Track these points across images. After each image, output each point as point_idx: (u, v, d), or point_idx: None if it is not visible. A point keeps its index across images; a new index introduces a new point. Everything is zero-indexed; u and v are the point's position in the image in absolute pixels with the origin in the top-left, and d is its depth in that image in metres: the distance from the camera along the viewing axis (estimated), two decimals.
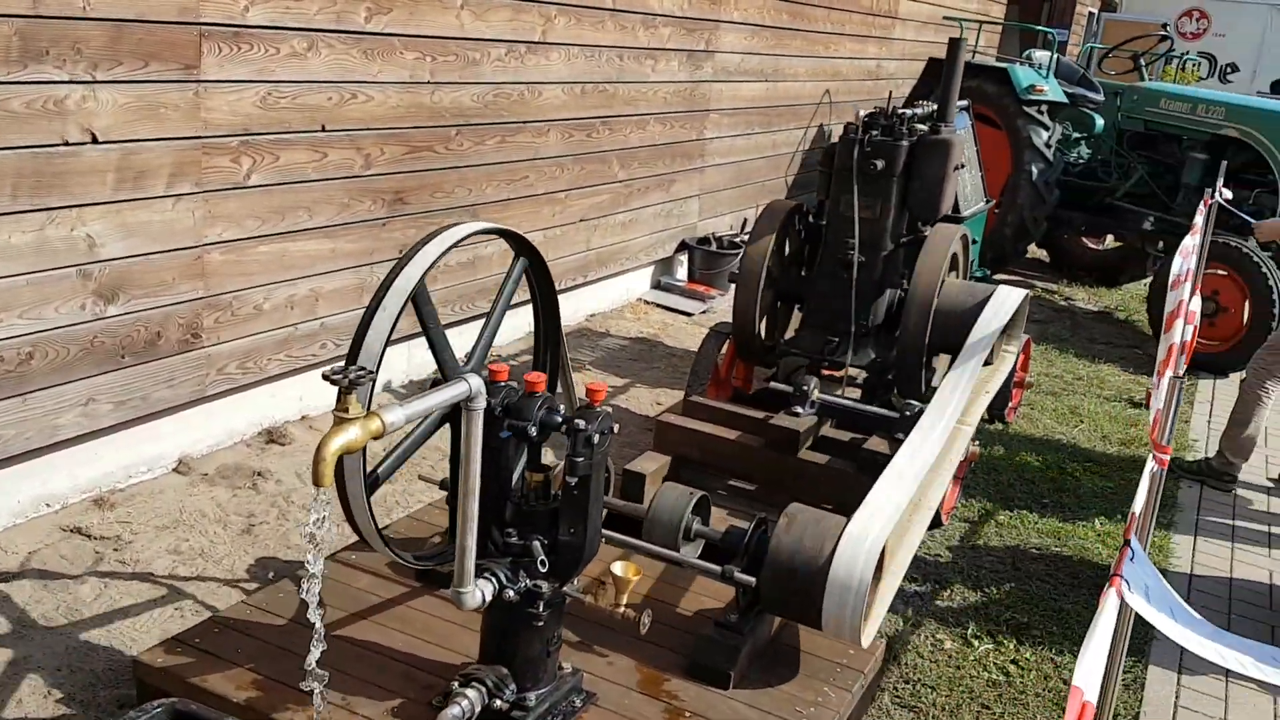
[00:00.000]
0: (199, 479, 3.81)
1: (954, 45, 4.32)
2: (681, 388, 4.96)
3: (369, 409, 1.97)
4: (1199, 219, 4.93)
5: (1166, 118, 7.51)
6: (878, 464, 3.57)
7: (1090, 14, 18.57)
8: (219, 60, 3.55)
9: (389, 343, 2.36)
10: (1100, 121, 8.01)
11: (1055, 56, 8.53)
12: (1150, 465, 1.91)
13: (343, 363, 2.26)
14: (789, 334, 4.66)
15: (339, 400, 1.84)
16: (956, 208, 4.97)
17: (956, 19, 8.84)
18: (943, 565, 3.90)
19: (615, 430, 2.40)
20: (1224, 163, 5.27)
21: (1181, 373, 6.20)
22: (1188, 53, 18.66)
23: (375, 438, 1.89)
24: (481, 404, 2.18)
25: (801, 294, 4.54)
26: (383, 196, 4.36)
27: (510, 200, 5.19)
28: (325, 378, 1.87)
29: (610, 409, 2.40)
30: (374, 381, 2.22)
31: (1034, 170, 7.62)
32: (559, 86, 5.34)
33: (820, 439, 4.11)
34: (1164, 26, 10.41)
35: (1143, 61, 8.20)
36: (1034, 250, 9.79)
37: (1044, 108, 7.68)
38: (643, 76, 6.11)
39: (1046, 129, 7.65)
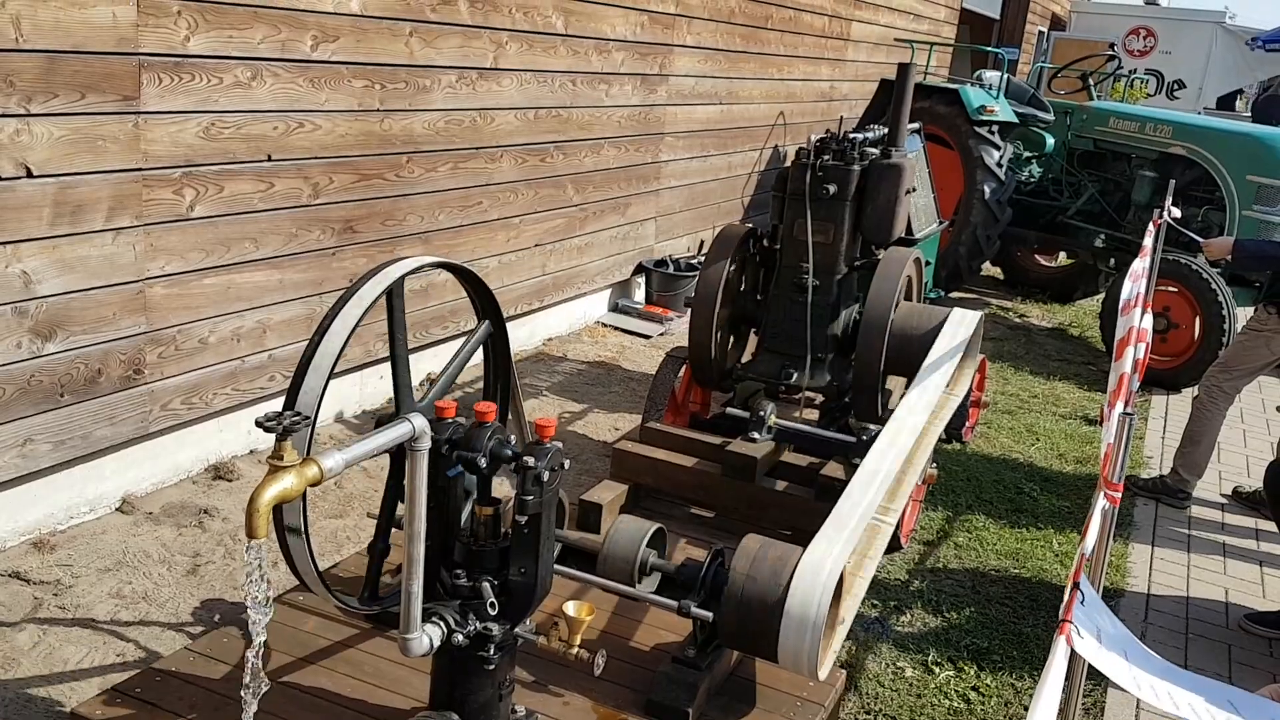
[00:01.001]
0: (143, 518, 3.71)
1: (903, 70, 4.34)
2: (639, 412, 4.93)
3: (308, 454, 1.92)
4: (1148, 240, 4.98)
5: (1115, 137, 7.63)
6: (835, 489, 3.55)
7: (1040, 33, 18.92)
8: (159, 91, 3.48)
9: (331, 378, 2.30)
10: (1051, 140, 8.12)
11: (1006, 77, 8.64)
12: (1101, 503, 1.89)
13: (283, 405, 2.20)
14: (747, 358, 4.64)
15: (275, 447, 1.78)
16: (910, 230, 4.99)
17: (908, 41, 8.92)
18: (902, 589, 3.88)
19: (566, 466, 2.36)
20: (1172, 181, 5.34)
21: (1134, 394, 6.27)
22: (1135, 70, 19.08)
23: (313, 484, 1.83)
24: (426, 444, 2.13)
25: (758, 318, 4.53)
26: (332, 226, 4.30)
27: (464, 227, 5.14)
28: (259, 424, 1.81)
29: (560, 444, 2.35)
30: (312, 425, 2.16)
31: (986, 189, 7.70)
32: (512, 112, 5.31)
33: (779, 464, 4.09)
34: (1111, 46, 10.59)
35: (1091, 81, 8.31)
36: (989, 268, 9.90)
37: (995, 128, 7.77)
38: (597, 101, 6.09)
39: (998, 149, 7.73)
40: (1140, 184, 7.33)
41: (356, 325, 2.30)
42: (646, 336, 6.71)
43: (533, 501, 2.27)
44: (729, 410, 4.24)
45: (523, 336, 6.04)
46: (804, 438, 4.12)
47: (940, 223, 5.56)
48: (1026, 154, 8.34)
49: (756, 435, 4.00)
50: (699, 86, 7.31)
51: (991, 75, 8.38)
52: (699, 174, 7.63)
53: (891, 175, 4.19)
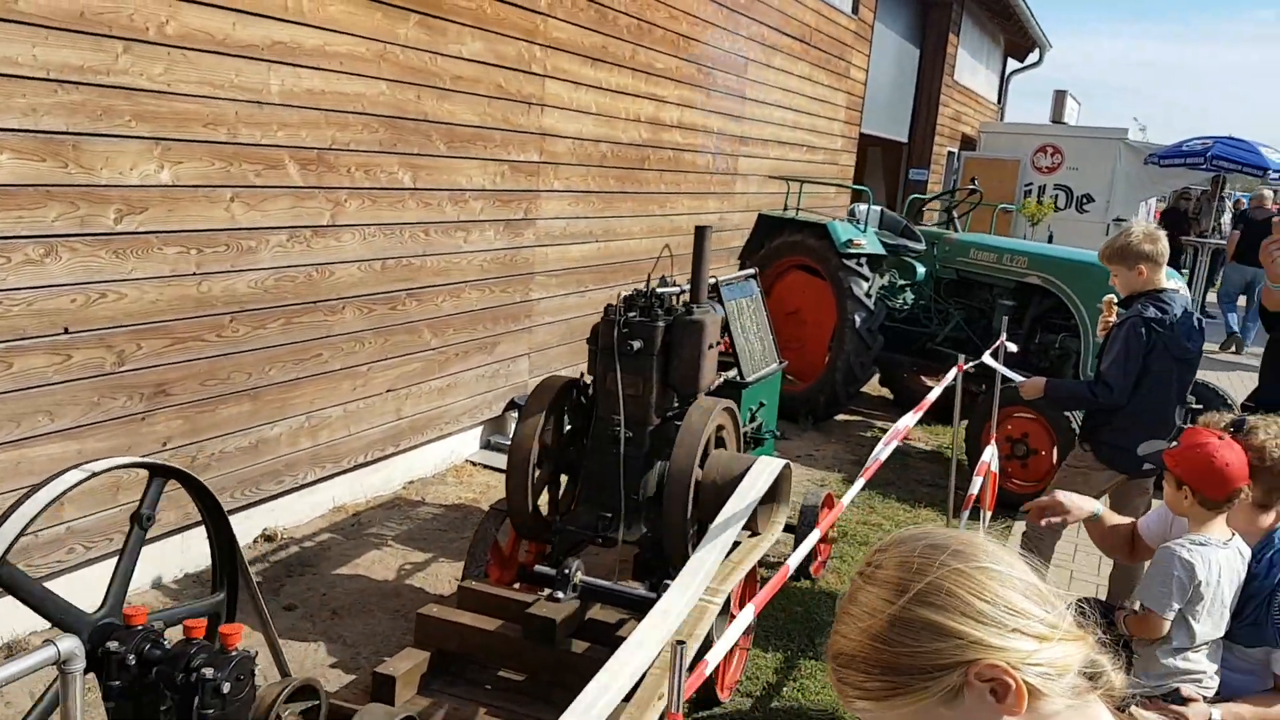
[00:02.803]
0: None
1: (700, 233, 4.49)
2: None
3: None
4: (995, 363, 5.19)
5: (976, 267, 7.88)
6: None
7: (950, 154, 19.65)
8: None
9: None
10: (922, 269, 8.36)
11: (880, 210, 8.96)
12: None
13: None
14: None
15: None
16: (742, 374, 5.10)
17: (784, 177, 9.24)
18: None
19: (254, 674, 2.33)
20: (1005, 317, 5.53)
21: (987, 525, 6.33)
22: (1043, 188, 19.81)
23: None
24: (79, 666, 2.11)
25: (579, 468, 4.56)
26: (140, 391, 4.30)
27: (300, 380, 5.17)
28: None
29: (252, 650, 2.33)
30: None
31: (856, 319, 7.89)
32: (354, 265, 5.40)
33: (588, 623, 4.07)
34: (973, 180, 11.01)
35: (955, 214, 8.63)
36: (879, 389, 10.06)
37: (863, 260, 8.00)
38: (454, 248, 6.21)
39: (866, 279, 7.95)
40: (999, 312, 7.55)
41: (20, 534, 2.29)
42: None
43: (213, 715, 2.24)
44: (536, 568, 4.23)
45: (377, 483, 6.02)
46: (610, 595, 4.10)
47: (780, 363, 5.68)
48: (901, 282, 8.57)
49: (560, 595, 3.99)
50: (571, 227, 7.49)
51: (862, 209, 8.67)
52: (576, 309, 7.76)
53: (693, 330, 4.29)
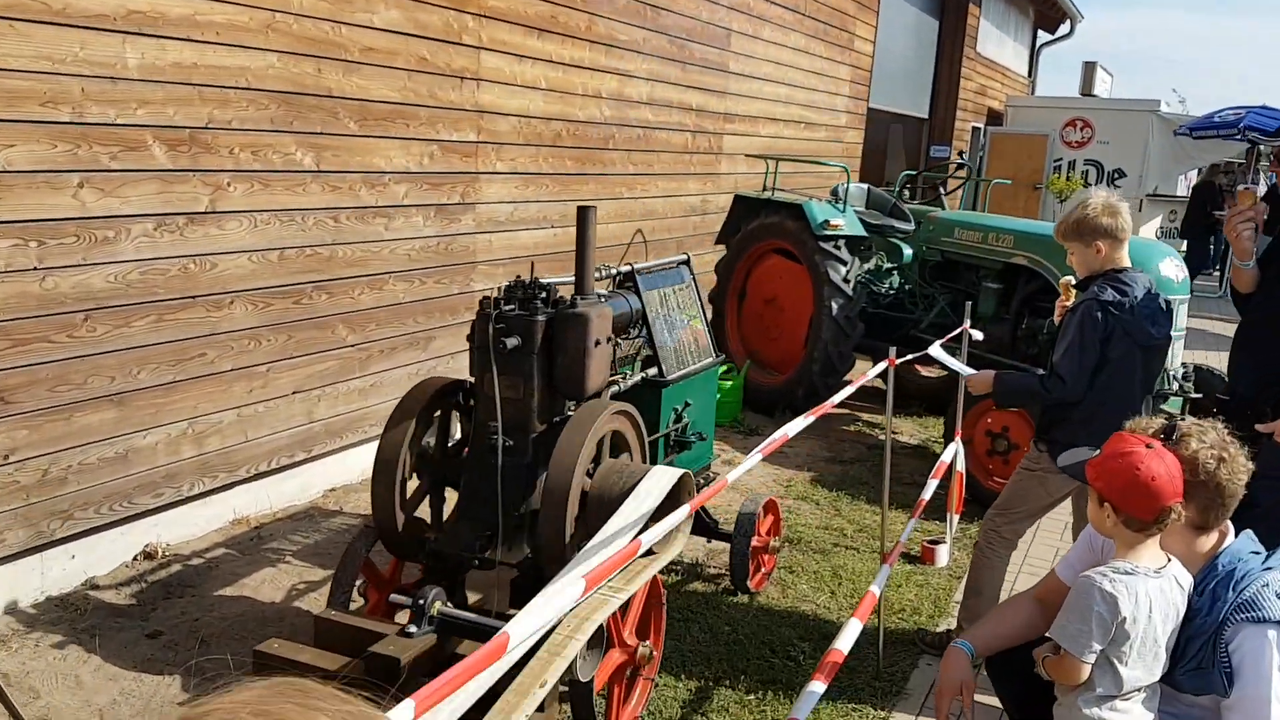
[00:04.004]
0: None
1: (583, 213, 3.98)
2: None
3: None
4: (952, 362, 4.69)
5: (961, 247, 7.27)
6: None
7: (974, 129, 18.84)
8: None
9: None
10: (909, 251, 7.76)
11: (866, 188, 8.37)
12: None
13: None
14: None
15: None
16: (662, 371, 4.57)
17: (760, 156, 8.68)
18: None
19: None
20: (968, 304, 4.96)
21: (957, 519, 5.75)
22: (1073, 164, 18.95)
23: None
24: None
25: (460, 480, 4.08)
26: None
27: (178, 382, 4.73)
28: None
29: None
30: None
31: (834, 305, 7.32)
32: (243, 255, 4.95)
33: (446, 661, 3.58)
34: (961, 155, 10.34)
35: (943, 191, 8.00)
36: (876, 381, 9.45)
37: (840, 242, 7.43)
38: (373, 235, 5.75)
39: (844, 263, 7.38)
40: (985, 295, 6.94)
41: None
42: None
43: None
44: (392, 597, 3.75)
45: (292, 490, 5.58)
46: (472, 629, 3.61)
47: (717, 354, 5.14)
48: (888, 265, 7.98)
49: (413, 629, 3.51)
50: (520, 212, 7.00)
51: (851, 188, 8.08)
52: None
53: (577, 325, 3.78)
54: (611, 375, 4.46)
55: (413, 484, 4.06)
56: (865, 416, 8.40)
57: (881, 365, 4.43)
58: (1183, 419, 2.76)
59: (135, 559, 4.76)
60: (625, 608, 3.70)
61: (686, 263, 5.05)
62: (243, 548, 5.09)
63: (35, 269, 4.04)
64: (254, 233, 4.99)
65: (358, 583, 4.21)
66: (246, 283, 4.99)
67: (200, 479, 4.94)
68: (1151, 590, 2.64)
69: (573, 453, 3.65)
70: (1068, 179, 18.58)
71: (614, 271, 4.52)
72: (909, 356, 5.03)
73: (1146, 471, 2.56)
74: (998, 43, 19.91)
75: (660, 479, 3.71)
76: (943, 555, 5.55)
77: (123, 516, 4.58)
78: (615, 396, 4.28)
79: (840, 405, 8.46)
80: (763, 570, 5.15)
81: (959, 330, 5.35)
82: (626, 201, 8.35)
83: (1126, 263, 3.92)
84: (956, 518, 5.70)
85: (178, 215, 4.59)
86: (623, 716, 3.77)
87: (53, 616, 4.24)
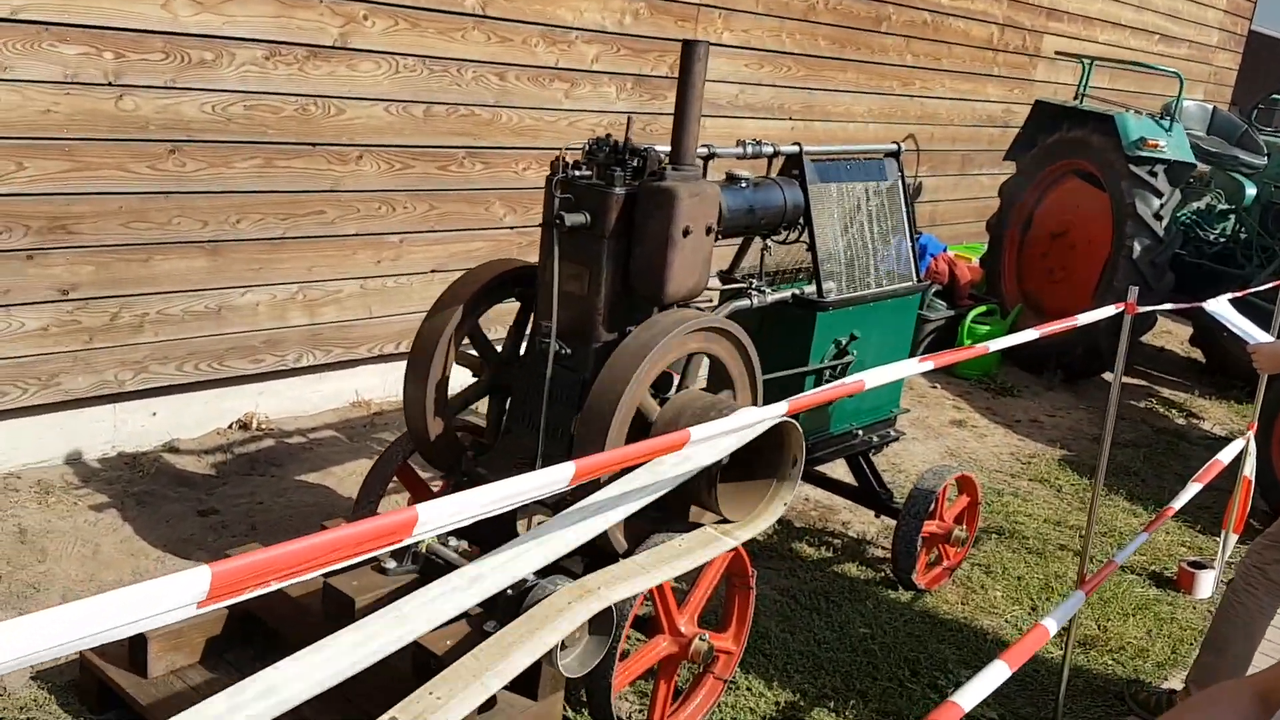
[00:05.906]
0: None
1: (689, 49, 2.92)
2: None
3: None
4: None
5: None
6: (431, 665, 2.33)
7: None
8: None
9: None
10: (1251, 190, 5.91)
11: (1211, 108, 6.50)
12: None
13: None
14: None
15: None
16: (821, 290, 3.44)
17: (1076, 56, 6.97)
18: None
19: None
20: None
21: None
22: None
23: None
24: None
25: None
26: (25, 223, 3.54)
27: (288, 240, 4.22)
28: None
29: None
30: None
31: (1137, 246, 5.70)
32: (379, 104, 4.33)
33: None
34: None
35: None
36: (1188, 349, 7.57)
37: (1158, 168, 5.73)
38: (549, 102, 4.97)
39: (1159, 195, 5.70)
40: None
41: None
42: None
43: None
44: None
45: None
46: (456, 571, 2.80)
47: (921, 281, 3.91)
48: (1223, 206, 6.15)
49: (390, 565, 2.76)
50: (746, 96, 5.95)
51: (1190, 104, 6.29)
52: None
53: (659, 204, 2.78)
54: (739, 283, 3.42)
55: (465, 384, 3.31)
56: (1165, 392, 6.66)
57: (1109, 309, 3.09)
58: None
59: (231, 426, 4.39)
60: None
61: (896, 154, 3.83)
62: (352, 433, 4.59)
63: (110, 84, 3.60)
64: (394, 80, 4.35)
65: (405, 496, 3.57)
66: (381, 136, 4.38)
67: (310, 350, 4.47)
68: None
69: (627, 366, 2.70)
70: None
71: (772, 150, 3.43)
72: (1166, 307, 3.54)
73: None
74: None
75: (747, 420, 2.66)
76: (1206, 584, 4.08)
77: (211, 378, 4.19)
78: (739, 315, 3.24)
79: (1132, 375, 6.80)
80: (943, 565, 3.97)
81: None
82: (897, 99, 7.01)
83: None
84: (1234, 538, 4.15)
85: (296, 46, 4.02)
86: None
87: (111, 474, 3.91)
